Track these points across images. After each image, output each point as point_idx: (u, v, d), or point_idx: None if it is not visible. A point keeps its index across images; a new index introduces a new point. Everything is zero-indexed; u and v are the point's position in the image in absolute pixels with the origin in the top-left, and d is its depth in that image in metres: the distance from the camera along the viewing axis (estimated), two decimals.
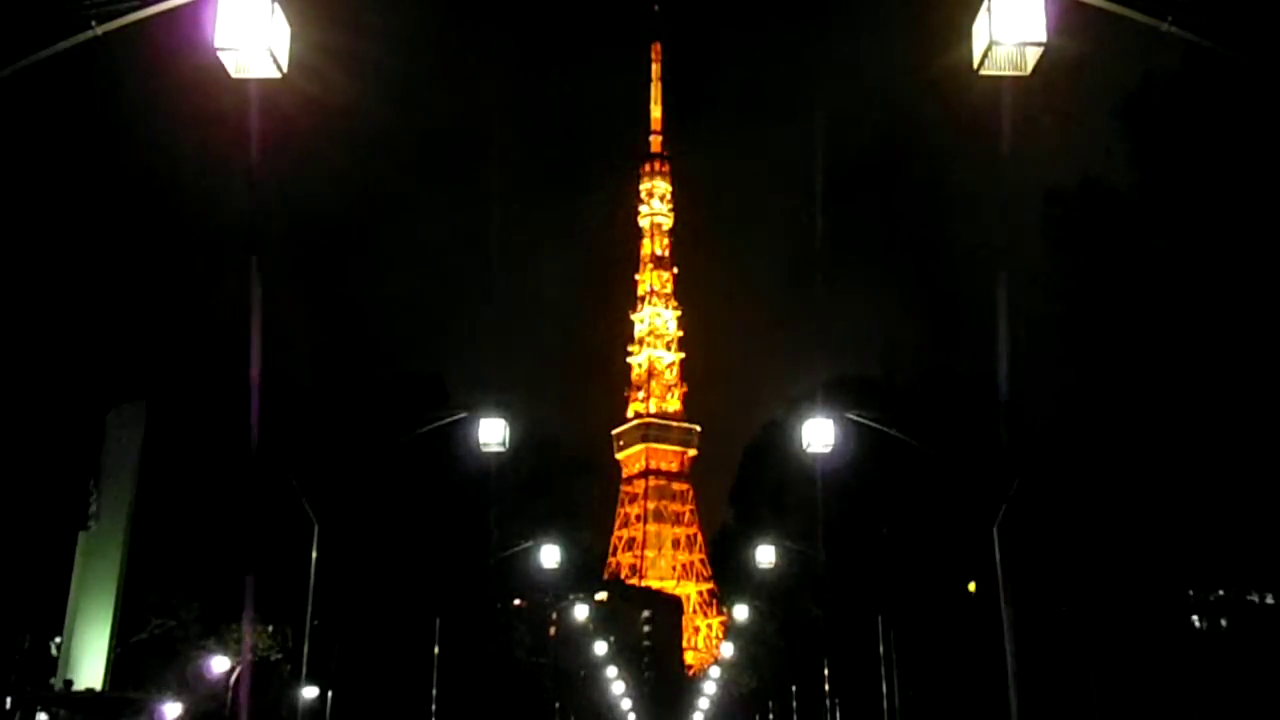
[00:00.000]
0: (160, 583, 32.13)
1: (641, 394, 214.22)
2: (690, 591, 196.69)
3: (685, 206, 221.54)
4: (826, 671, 52.51)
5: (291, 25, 11.42)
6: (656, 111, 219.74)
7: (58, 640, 29.01)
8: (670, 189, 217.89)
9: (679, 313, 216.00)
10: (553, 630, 71.49)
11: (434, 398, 43.68)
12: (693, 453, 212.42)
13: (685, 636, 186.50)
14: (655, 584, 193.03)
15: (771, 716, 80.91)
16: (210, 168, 31.60)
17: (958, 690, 41.06)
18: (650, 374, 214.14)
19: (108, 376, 28.56)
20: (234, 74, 11.39)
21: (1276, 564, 28.94)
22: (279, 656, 36.88)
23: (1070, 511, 32.29)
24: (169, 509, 30.74)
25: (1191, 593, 33.63)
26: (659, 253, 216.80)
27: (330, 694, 41.54)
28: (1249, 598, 32.21)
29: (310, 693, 37.70)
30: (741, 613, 70.68)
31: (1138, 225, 29.09)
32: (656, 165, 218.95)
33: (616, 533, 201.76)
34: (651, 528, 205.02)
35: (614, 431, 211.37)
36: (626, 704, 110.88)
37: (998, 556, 27.82)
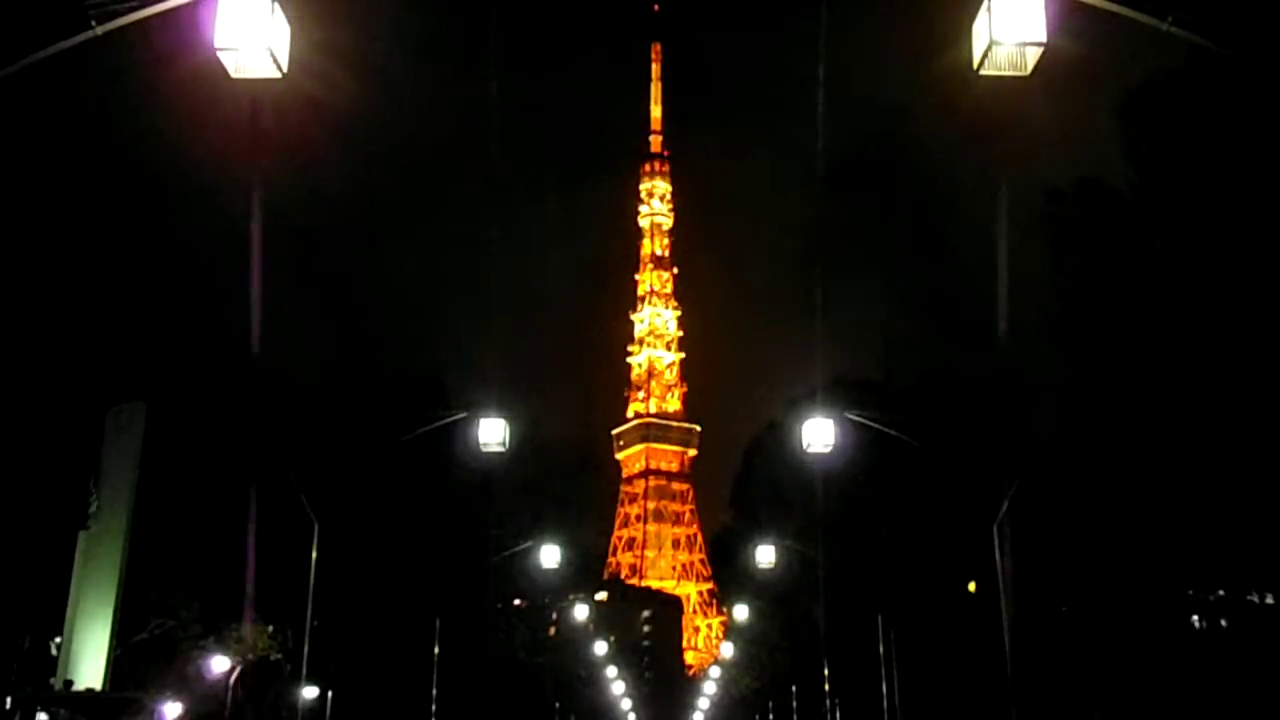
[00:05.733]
0: (160, 583, 32.10)
1: (641, 394, 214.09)
2: (690, 591, 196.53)
3: (685, 206, 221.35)
4: (826, 671, 52.48)
5: (291, 24, 11.39)
6: (656, 111, 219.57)
7: (58, 640, 28.94)
8: (670, 189, 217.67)
9: (679, 313, 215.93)
10: (553, 630, 71.52)
11: (434, 398, 43.64)
12: (693, 453, 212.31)
13: (685, 636, 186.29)
14: (655, 584, 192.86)
15: (771, 716, 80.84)
16: (210, 167, 31.62)
17: (958, 690, 41.04)
18: (650, 374, 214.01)
19: (108, 376, 28.53)
20: (234, 74, 11.34)
21: (1276, 564, 28.93)
22: (279, 656, 36.87)
23: (1070, 511, 32.28)
24: (169, 509, 30.69)
25: (1191, 593, 33.63)
26: (659, 253, 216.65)
27: (330, 694, 41.54)
28: (1249, 598, 32.21)
29: (310, 693, 37.71)
30: (741, 613, 70.69)
31: (1137, 225, 29.09)
32: (656, 165, 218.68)
33: (616, 533, 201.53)
34: (651, 528, 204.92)
35: (614, 431, 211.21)
36: (626, 704, 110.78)
37: (998, 556, 27.85)
